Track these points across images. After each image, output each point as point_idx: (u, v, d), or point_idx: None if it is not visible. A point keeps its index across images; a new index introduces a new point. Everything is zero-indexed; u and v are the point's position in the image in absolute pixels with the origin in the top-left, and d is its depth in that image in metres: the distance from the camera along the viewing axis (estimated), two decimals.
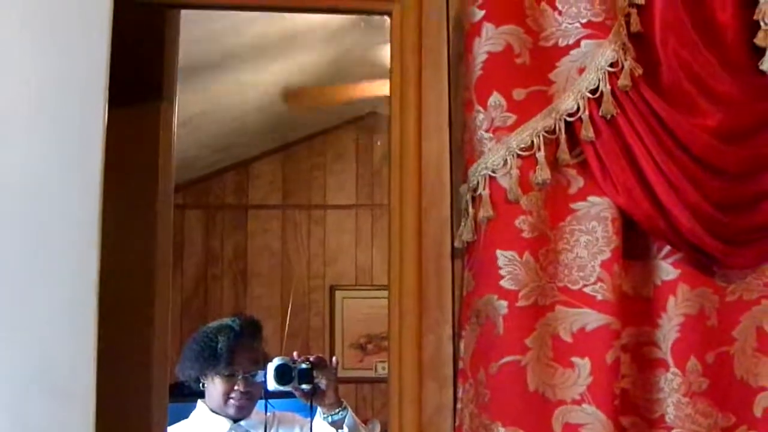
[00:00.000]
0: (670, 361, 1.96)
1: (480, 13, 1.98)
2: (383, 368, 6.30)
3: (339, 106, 5.71)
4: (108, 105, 1.72)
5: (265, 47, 4.79)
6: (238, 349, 3.14)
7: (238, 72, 5.01)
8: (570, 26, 1.97)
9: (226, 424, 3.15)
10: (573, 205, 1.96)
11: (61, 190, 1.66)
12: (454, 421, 1.99)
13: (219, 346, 3.12)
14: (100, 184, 1.67)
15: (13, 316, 1.61)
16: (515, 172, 1.91)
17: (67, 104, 1.69)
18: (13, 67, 1.68)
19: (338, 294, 6.60)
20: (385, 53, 2.18)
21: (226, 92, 5.21)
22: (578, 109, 1.93)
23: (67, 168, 1.68)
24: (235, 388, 3.12)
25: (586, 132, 1.93)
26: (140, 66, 2.19)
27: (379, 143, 6.33)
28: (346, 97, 5.12)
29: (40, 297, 1.63)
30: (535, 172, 1.92)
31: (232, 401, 3.13)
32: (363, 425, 3.26)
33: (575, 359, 1.89)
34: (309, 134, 6.65)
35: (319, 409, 3.08)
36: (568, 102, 1.94)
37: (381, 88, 4.60)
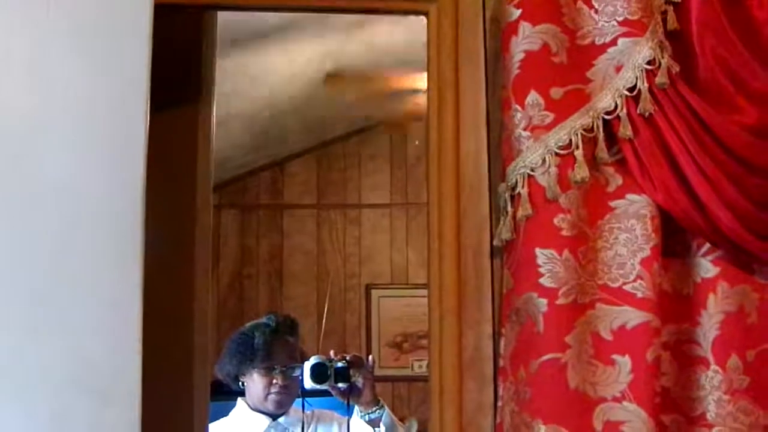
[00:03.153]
0: (711, 358, 1.96)
1: (516, 12, 1.99)
2: (419, 366, 6.30)
3: (373, 102, 5.69)
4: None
5: (302, 32, 4.79)
6: (274, 344, 3.16)
7: (275, 64, 5.01)
8: (607, 24, 1.97)
9: (266, 421, 3.17)
10: (612, 203, 1.96)
11: (104, 192, 1.68)
12: (495, 419, 2.00)
13: (256, 341, 3.15)
14: (143, 187, 1.68)
15: (59, 318, 1.62)
16: (554, 170, 1.92)
17: (109, 109, 1.71)
18: (55, 72, 1.69)
19: (374, 293, 6.59)
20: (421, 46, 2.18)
21: (261, 93, 5.22)
22: (616, 107, 1.94)
23: (110, 171, 1.69)
24: (274, 382, 3.14)
25: (624, 130, 1.93)
26: (179, 68, 2.21)
27: (417, 143, 6.32)
28: (385, 87, 5.11)
29: (86, 298, 1.64)
30: (573, 170, 1.93)
31: (271, 396, 3.15)
32: (400, 423, 3.27)
33: (616, 357, 1.90)
34: (343, 134, 6.65)
35: (356, 407, 3.09)
36: (605, 100, 1.95)
37: (417, 81, 4.62)
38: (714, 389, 1.94)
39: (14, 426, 1.58)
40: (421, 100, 4.86)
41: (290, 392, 3.18)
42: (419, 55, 2.21)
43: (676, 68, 1.96)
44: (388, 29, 4.74)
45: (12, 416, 1.59)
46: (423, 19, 2.18)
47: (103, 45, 1.73)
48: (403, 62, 4.81)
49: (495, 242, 2.04)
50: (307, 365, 3.06)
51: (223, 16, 2.36)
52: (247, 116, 5.42)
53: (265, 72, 5.01)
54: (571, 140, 1.93)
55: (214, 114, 2.31)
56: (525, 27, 1.97)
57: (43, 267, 1.64)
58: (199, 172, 2.24)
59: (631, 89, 1.94)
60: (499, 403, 1.99)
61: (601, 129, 1.95)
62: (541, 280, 1.90)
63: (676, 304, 1.99)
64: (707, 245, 1.99)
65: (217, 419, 3.19)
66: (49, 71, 1.69)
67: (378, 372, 3.27)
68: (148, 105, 1.71)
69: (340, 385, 3.05)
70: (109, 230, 1.68)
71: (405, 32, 4.57)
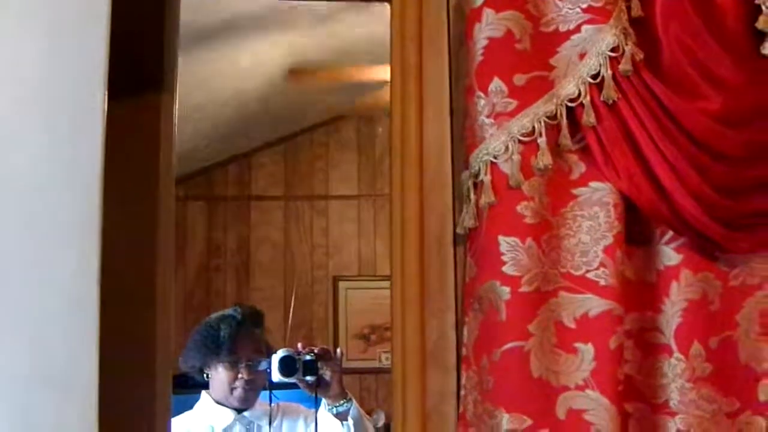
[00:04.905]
0: (674, 346, 1.96)
1: None
2: (387, 359, 6.31)
3: (340, 94, 5.70)
4: (107, 97, 1.71)
5: (266, 27, 4.77)
6: (240, 337, 3.14)
7: (239, 59, 4.99)
8: (570, 11, 1.96)
9: (231, 414, 3.15)
10: (575, 191, 1.95)
11: (61, 183, 1.65)
12: (458, 408, 1.99)
13: (221, 334, 3.13)
14: (101, 177, 1.66)
15: (14, 311, 1.60)
16: (517, 157, 1.91)
17: (66, 97, 1.68)
18: (10, 59, 1.67)
19: (341, 285, 6.60)
20: (387, 38, 2.16)
21: (226, 83, 5.20)
22: (579, 94, 1.93)
23: (67, 161, 1.67)
24: (239, 376, 3.12)
25: (588, 117, 1.92)
26: (139, 56, 2.18)
27: (380, 130, 6.33)
28: (349, 78, 5.11)
29: (42, 291, 1.62)
30: (536, 157, 1.92)
31: (236, 390, 3.13)
32: (367, 417, 3.26)
33: (578, 345, 1.89)
34: (311, 125, 6.65)
35: (323, 400, 3.08)
36: (569, 87, 1.94)
37: (383, 72, 4.60)
38: (677, 377, 1.94)
39: None
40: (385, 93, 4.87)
41: (256, 386, 3.17)
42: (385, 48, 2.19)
43: (640, 55, 1.95)
44: (352, 22, 4.74)
45: None
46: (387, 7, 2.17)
47: (60, 30, 1.70)
48: (370, 55, 4.82)
49: (458, 230, 2.03)
50: (275, 358, 3.05)
51: (187, 6, 2.33)
52: (213, 107, 5.39)
53: (230, 64, 4.99)
54: (534, 127, 1.92)
55: (177, 102, 2.28)
56: (488, 14, 1.96)
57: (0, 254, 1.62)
58: (161, 161, 2.22)
59: (594, 76, 1.93)
60: (462, 392, 1.98)
61: (564, 116, 1.94)
62: (504, 268, 1.89)
63: (639, 292, 1.98)
64: (670, 233, 1.99)
65: (182, 412, 3.17)
66: (3, 57, 1.66)
67: (345, 364, 3.26)
68: (106, 92, 1.69)
69: (308, 378, 3.03)
70: (65, 220, 1.65)
71: (370, 25, 4.58)
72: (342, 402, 3.08)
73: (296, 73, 5.32)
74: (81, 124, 1.68)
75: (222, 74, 5.08)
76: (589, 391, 1.87)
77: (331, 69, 5.27)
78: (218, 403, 3.17)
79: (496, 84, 1.93)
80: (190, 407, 3.22)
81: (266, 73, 5.30)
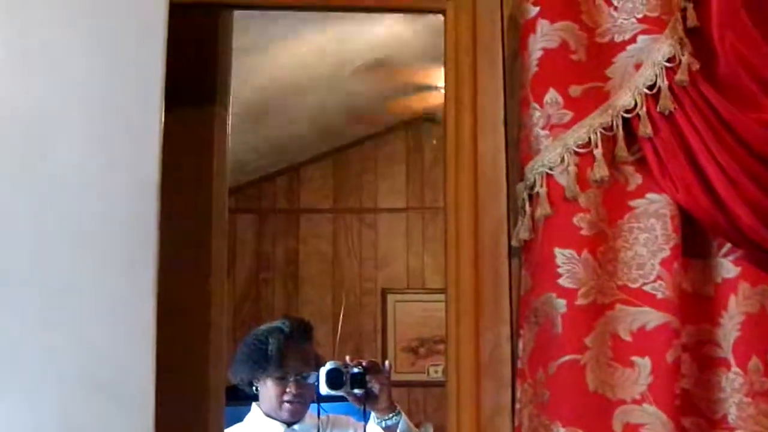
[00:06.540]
0: (732, 360, 1.93)
1: (534, 10, 1.97)
2: (435, 372, 6.29)
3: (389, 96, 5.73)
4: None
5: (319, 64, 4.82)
6: (288, 351, 3.12)
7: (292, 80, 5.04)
8: (626, 22, 1.96)
9: (280, 428, 3.14)
10: (631, 203, 1.94)
11: (118, 194, 1.68)
12: (513, 422, 1.98)
13: (269, 348, 3.11)
14: (158, 190, 1.68)
15: (72, 321, 1.62)
16: (573, 169, 1.90)
17: (124, 109, 1.70)
18: (71, 72, 1.69)
19: (390, 297, 6.59)
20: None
21: (278, 96, 5.23)
22: (635, 105, 1.92)
23: (125, 172, 1.69)
24: (288, 390, 3.11)
25: (644, 128, 1.91)
26: (194, 69, 2.20)
27: (435, 141, 6.32)
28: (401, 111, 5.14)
29: (100, 301, 1.64)
30: (592, 169, 1.91)
31: (285, 405, 3.11)
32: (416, 430, 3.24)
33: (635, 358, 1.88)
34: (360, 138, 6.66)
35: (372, 413, 3.06)
36: (625, 98, 1.93)
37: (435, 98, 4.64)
38: (734, 391, 1.91)
39: (19, 420, 1.57)
40: (435, 96, 4.86)
41: (305, 400, 3.15)
42: (433, 50, 2.19)
43: (696, 65, 1.94)
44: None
45: (17, 409, 1.58)
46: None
47: (120, 43, 1.73)
48: (418, 57, 4.83)
49: (513, 242, 2.03)
50: (323, 371, 3.03)
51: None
52: (265, 119, 5.43)
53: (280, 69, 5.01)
54: (590, 139, 1.92)
55: (230, 115, 2.30)
56: (543, 24, 1.96)
57: (57, 261, 1.64)
58: (215, 173, 2.24)
59: (650, 87, 1.91)
60: (517, 406, 1.97)
61: (620, 127, 1.93)
62: (560, 281, 1.88)
63: (697, 305, 1.96)
64: (728, 245, 1.96)
65: (233, 424, 3.18)
66: (65, 70, 1.69)
67: (394, 377, 3.24)
68: (163, 104, 1.71)
69: (356, 391, 3.02)
70: (123, 227, 1.68)
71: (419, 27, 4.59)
72: (391, 415, 3.06)
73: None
74: (139, 137, 1.70)
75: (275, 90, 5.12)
76: (646, 406, 1.85)
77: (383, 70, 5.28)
78: (268, 415, 3.16)
79: (552, 95, 1.93)
80: (240, 419, 3.22)
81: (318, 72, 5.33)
